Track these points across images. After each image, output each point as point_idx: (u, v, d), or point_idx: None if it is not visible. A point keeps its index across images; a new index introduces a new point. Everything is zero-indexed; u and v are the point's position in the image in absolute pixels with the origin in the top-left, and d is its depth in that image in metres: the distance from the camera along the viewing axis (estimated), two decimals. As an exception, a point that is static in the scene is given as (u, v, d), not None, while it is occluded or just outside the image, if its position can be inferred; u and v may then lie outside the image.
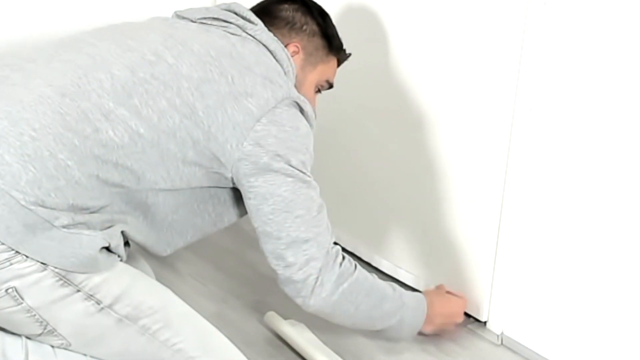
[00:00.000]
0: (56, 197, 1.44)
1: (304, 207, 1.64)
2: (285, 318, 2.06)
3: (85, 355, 1.54)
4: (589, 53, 1.75)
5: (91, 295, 1.49)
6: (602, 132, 1.77)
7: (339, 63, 1.95)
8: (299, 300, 1.69)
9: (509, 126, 1.91)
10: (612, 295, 1.85)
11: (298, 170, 1.64)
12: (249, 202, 1.65)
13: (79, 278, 1.47)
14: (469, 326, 2.13)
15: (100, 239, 1.48)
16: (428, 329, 1.91)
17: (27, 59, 1.58)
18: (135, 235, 1.60)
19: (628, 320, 1.83)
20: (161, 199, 1.59)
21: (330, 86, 1.94)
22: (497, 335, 2.09)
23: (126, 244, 1.61)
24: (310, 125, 1.71)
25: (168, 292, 1.65)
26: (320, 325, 2.07)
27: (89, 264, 1.47)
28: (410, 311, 1.83)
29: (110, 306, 1.51)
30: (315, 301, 1.67)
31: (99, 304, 1.50)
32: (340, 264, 1.69)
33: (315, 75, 1.87)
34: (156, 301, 1.58)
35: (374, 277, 1.77)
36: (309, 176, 1.67)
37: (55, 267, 1.44)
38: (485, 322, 2.12)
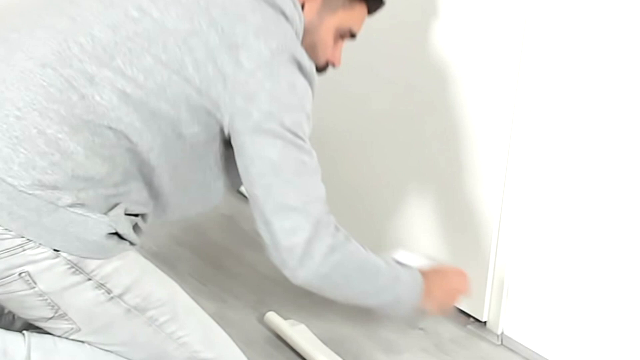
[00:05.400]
0: (54, 172, 1.40)
1: (294, 172, 1.53)
2: (285, 318, 2.07)
3: (91, 345, 1.54)
4: (589, 53, 1.75)
5: (102, 284, 1.48)
6: (602, 132, 1.77)
7: (370, 12, 1.78)
8: (286, 272, 1.57)
9: (509, 126, 1.91)
10: (611, 295, 1.85)
11: (291, 131, 1.52)
12: (238, 161, 1.55)
13: (90, 266, 1.46)
14: (469, 326, 2.13)
15: (105, 224, 1.45)
16: (429, 305, 1.77)
17: (11, 28, 1.52)
18: (138, 207, 1.55)
19: (628, 320, 1.83)
20: (163, 159, 1.53)
21: (353, 36, 1.77)
22: (497, 335, 2.09)
23: (138, 229, 1.58)
24: (309, 82, 1.58)
25: (175, 286, 1.64)
26: (320, 325, 2.07)
27: (96, 250, 1.46)
28: (406, 286, 1.71)
29: (120, 296, 1.50)
30: (303, 273, 1.55)
31: (109, 293, 1.49)
32: (332, 235, 1.56)
33: (335, 20, 1.71)
34: (164, 294, 1.57)
35: (367, 251, 1.66)
36: (303, 139, 1.54)
37: (68, 255, 1.43)
38: (485, 322, 2.12)
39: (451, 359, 2.03)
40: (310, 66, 1.58)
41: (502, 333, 2.09)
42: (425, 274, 1.76)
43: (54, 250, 1.43)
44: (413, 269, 1.75)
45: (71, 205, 1.42)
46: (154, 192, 1.56)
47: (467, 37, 1.97)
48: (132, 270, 1.53)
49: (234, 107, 1.50)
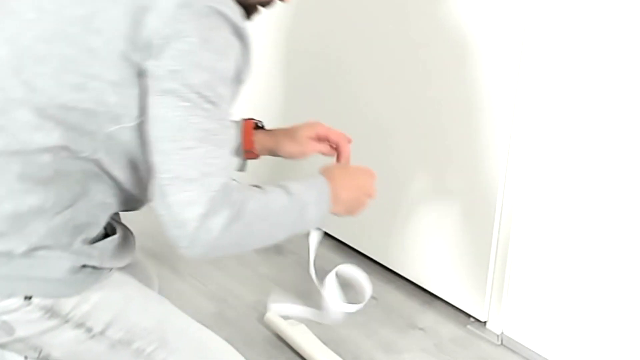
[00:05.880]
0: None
1: (196, 139, 1.35)
2: (285, 318, 2.07)
3: None
4: (589, 53, 1.75)
5: (81, 324, 1.42)
6: (602, 132, 1.77)
7: None
8: (181, 251, 1.41)
9: (509, 126, 1.91)
10: (611, 295, 1.85)
11: (198, 93, 1.33)
12: (144, 124, 1.39)
13: (66, 308, 1.41)
14: (469, 326, 2.13)
15: (67, 259, 1.38)
16: (337, 210, 1.57)
17: None
18: (108, 206, 1.45)
19: (628, 320, 1.83)
20: (111, 151, 1.41)
21: None
22: (497, 335, 2.09)
23: (118, 247, 1.50)
24: (236, 36, 1.38)
25: (164, 306, 1.55)
26: (320, 325, 2.07)
27: (67, 287, 1.40)
28: (314, 206, 1.51)
29: (102, 332, 1.43)
30: (200, 249, 1.38)
31: (89, 331, 1.43)
32: (231, 205, 1.37)
33: None
34: (151, 321, 1.50)
35: (267, 196, 1.44)
36: (214, 102, 1.35)
37: (41, 300, 1.38)
38: (485, 322, 2.12)
39: (451, 359, 2.03)
40: (234, 16, 1.37)
41: (502, 333, 2.09)
42: (331, 174, 1.56)
43: (26, 298, 1.37)
44: (317, 179, 1.54)
45: (25, 252, 1.35)
46: (116, 183, 1.45)
47: (467, 37, 1.97)
48: (113, 302, 1.46)
49: (148, 71, 1.35)
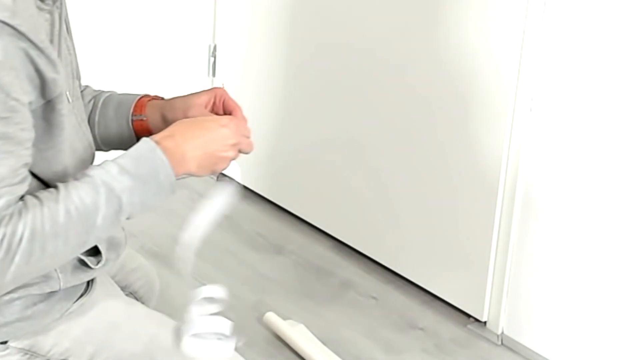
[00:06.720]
0: None
1: None
2: (285, 318, 2.07)
3: None
4: (589, 53, 1.75)
5: None
6: (602, 132, 1.77)
7: None
8: None
9: (509, 126, 1.91)
10: (611, 295, 1.84)
11: None
12: None
13: (45, 347, 1.36)
14: (469, 326, 2.13)
15: (32, 294, 1.31)
16: (188, 171, 1.31)
17: None
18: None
19: (628, 320, 1.83)
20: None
21: None
22: (497, 335, 2.09)
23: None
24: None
25: (152, 324, 1.45)
26: (320, 325, 2.07)
27: (33, 324, 1.34)
28: (141, 189, 1.26)
29: None
30: None
31: None
32: (5, 225, 1.16)
33: None
34: (138, 345, 1.42)
35: (66, 206, 1.20)
36: None
37: (18, 343, 1.34)
38: (485, 322, 2.12)
39: (451, 359, 2.03)
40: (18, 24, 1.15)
41: (502, 333, 2.09)
42: (173, 132, 1.30)
43: (1, 343, 1.33)
44: (142, 154, 1.26)
45: None
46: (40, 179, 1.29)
47: (467, 37, 1.97)
48: (96, 332, 1.39)
49: None
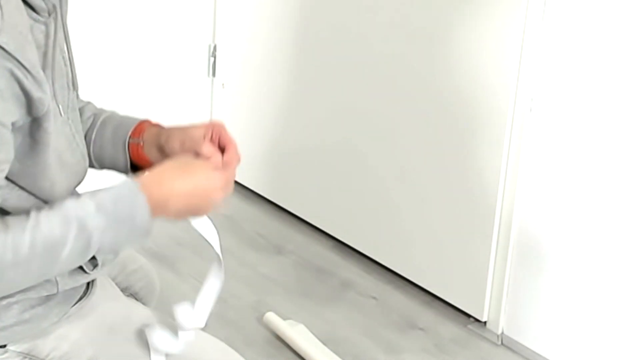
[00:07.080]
0: None
1: None
2: (285, 318, 2.07)
3: None
4: (589, 53, 1.75)
5: None
6: (602, 132, 1.77)
7: None
8: None
9: (509, 126, 1.91)
10: (611, 295, 1.85)
11: None
12: None
13: (44, 350, 1.35)
14: (469, 326, 2.13)
15: (30, 298, 1.31)
16: (167, 216, 1.31)
17: None
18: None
19: (628, 320, 1.83)
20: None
21: None
22: (497, 335, 2.09)
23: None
24: None
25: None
26: (320, 325, 2.07)
27: (31, 327, 1.34)
28: (114, 229, 1.24)
29: None
30: None
31: None
32: None
33: None
34: (138, 347, 1.41)
35: (32, 237, 1.18)
36: None
37: (16, 347, 1.33)
38: (485, 322, 2.12)
39: (451, 359, 2.03)
40: None
41: (502, 333, 2.09)
42: (159, 177, 1.29)
43: (0, 347, 1.32)
44: (123, 193, 1.24)
45: None
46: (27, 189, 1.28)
47: (467, 38, 1.97)
48: (95, 335, 1.38)
49: None
